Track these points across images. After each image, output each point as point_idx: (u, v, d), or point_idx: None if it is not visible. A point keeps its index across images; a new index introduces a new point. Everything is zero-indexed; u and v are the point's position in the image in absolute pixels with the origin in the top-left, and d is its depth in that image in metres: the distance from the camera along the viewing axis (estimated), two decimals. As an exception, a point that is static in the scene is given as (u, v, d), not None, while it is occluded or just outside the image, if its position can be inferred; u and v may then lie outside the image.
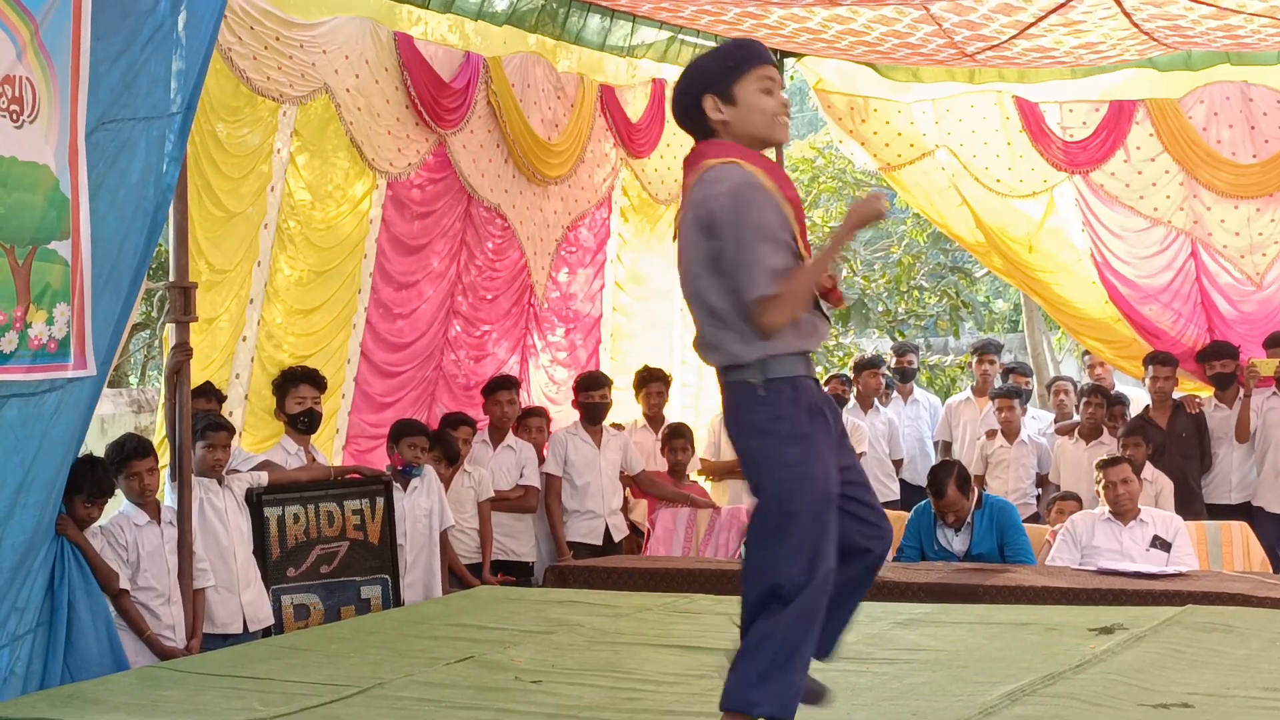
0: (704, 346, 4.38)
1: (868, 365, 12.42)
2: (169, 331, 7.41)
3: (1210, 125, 11.77)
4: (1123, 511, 8.75)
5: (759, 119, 4.30)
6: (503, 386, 9.89)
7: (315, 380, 8.45)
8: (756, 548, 4.26)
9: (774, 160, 4.52)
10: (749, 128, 4.31)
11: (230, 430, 7.68)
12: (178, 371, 7.15)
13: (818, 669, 4.40)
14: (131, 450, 7.01)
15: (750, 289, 4.16)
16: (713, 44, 11.46)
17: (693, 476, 10.78)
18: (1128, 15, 9.55)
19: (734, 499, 10.80)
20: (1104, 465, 8.93)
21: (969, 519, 8.86)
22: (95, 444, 7.71)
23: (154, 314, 15.68)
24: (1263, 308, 11.80)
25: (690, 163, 4.41)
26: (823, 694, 4.46)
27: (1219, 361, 11.05)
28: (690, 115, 4.39)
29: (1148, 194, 11.97)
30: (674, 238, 4.49)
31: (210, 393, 8.03)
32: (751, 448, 4.29)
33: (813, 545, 4.16)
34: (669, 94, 4.64)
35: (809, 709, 4.43)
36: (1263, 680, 5.16)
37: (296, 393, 8.34)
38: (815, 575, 4.15)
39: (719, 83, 4.31)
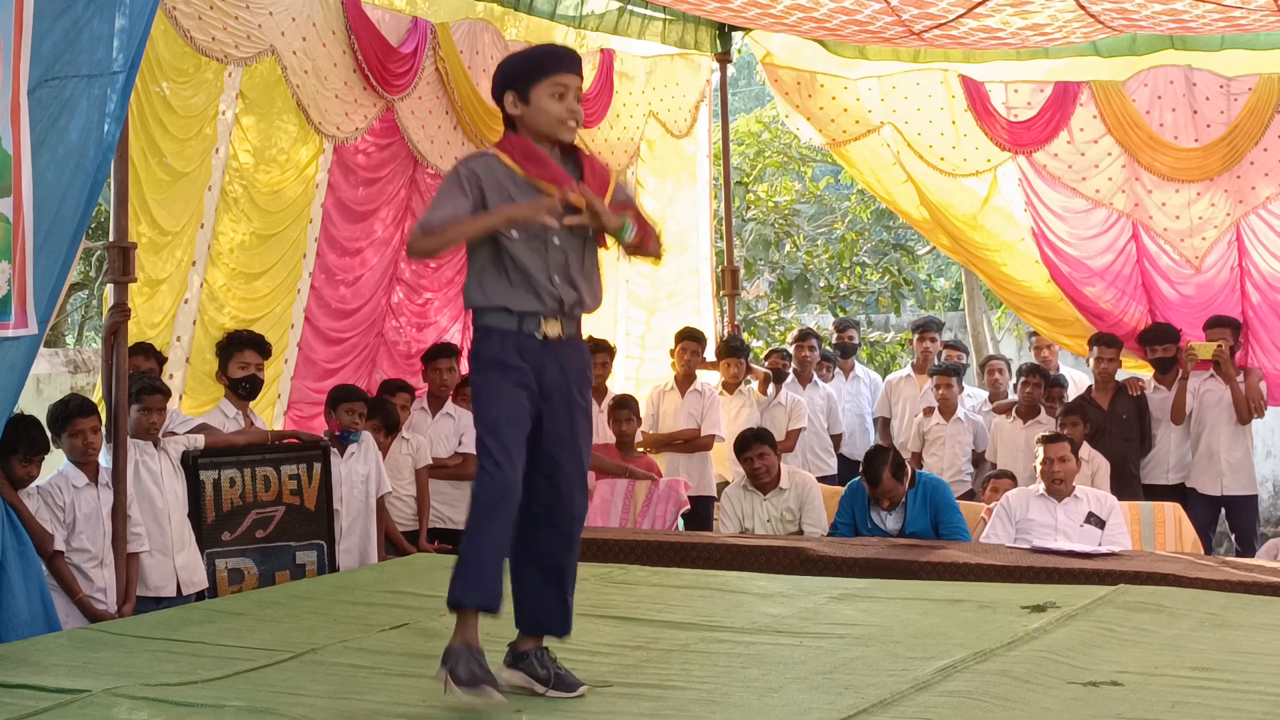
0: None
1: (799, 338, 12.43)
2: (108, 292, 7.36)
3: (1153, 109, 11.81)
4: (1058, 489, 8.80)
5: (544, 120, 4.85)
6: (443, 354, 9.83)
7: (261, 346, 8.41)
8: None
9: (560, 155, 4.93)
10: (536, 125, 4.87)
11: (166, 393, 7.63)
12: (115, 332, 7.11)
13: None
14: (76, 408, 6.98)
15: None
16: (662, 16, 11.48)
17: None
18: (1075, -3, 9.60)
19: (670, 471, 10.78)
20: (1046, 440, 8.99)
21: (903, 499, 8.89)
22: (30, 403, 7.66)
23: (92, 274, 15.56)
24: (1202, 291, 11.86)
25: None
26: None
27: (1160, 346, 11.11)
28: (498, 103, 4.96)
29: (1090, 176, 12.03)
30: None
31: (150, 352, 7.98)
32: None
33: None
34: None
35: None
36: (1191, 660, 5.21)
37: (241, 357, 8.29)
38: None
39: (519, 83, 4.88)
